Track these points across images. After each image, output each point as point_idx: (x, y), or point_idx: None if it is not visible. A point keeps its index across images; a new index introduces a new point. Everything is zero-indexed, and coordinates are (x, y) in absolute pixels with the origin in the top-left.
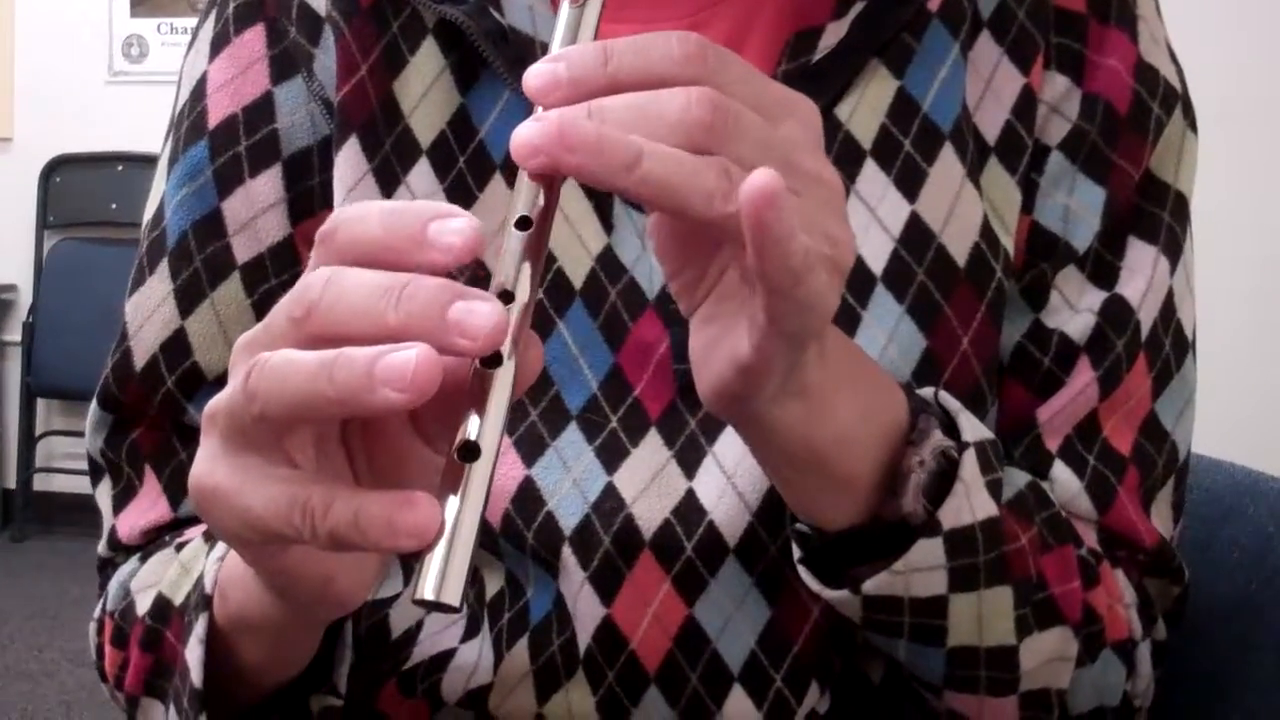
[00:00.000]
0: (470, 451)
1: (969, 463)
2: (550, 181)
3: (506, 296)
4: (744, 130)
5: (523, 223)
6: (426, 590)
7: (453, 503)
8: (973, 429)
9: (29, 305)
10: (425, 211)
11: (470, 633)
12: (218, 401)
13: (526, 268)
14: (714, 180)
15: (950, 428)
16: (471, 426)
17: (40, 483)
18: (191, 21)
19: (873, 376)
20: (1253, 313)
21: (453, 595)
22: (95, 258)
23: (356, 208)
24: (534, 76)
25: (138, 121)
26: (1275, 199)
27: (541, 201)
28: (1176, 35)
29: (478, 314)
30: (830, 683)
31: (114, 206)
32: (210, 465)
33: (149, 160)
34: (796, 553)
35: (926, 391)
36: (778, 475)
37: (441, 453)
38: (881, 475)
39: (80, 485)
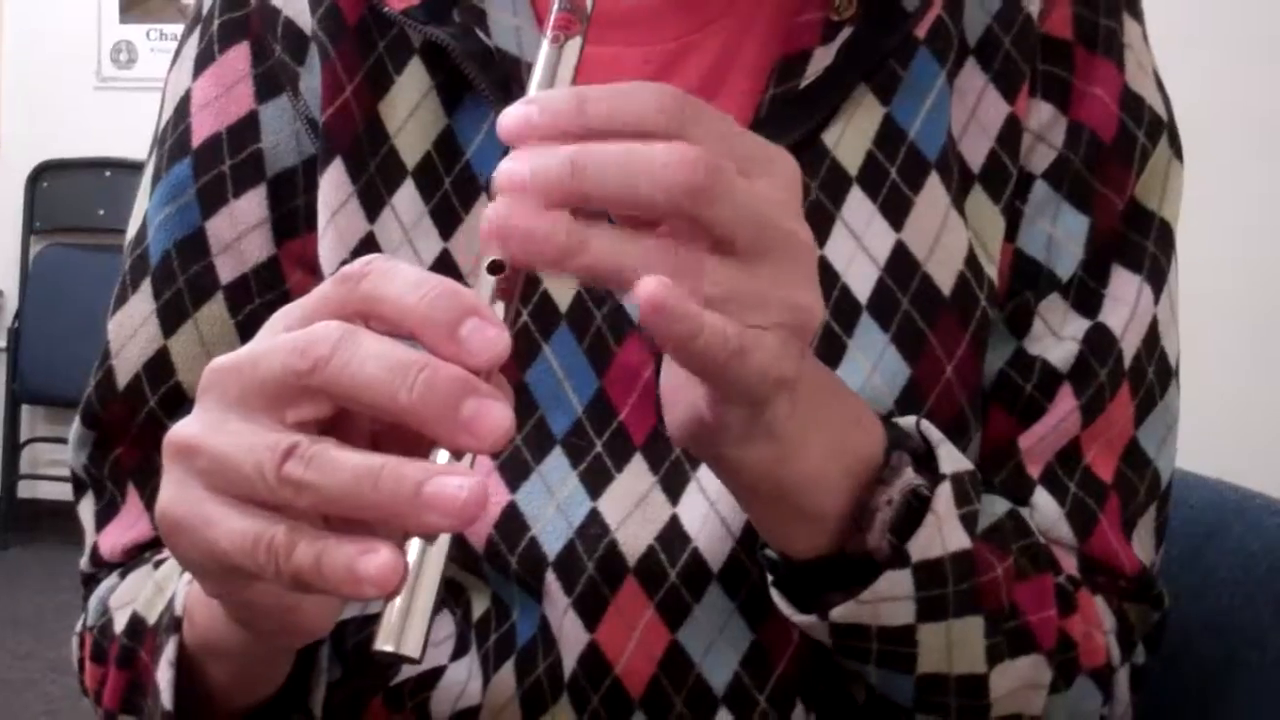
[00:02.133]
0: None
1: (943, 496)
2: None
3: None
4: (726, 193)
5: (495, 266)
6: (386, 641)
7: (416, 547)
8: (951, 461)
9: (15, 311)
10: (463, 304)
11: (459, 651)
12: (187, 435)
13: (499, 312)
14: (660, 267)
15: (928, 458)
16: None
17: (25, 489)
18: (181, 29)
19: (849, 411)
20: (1236, 329)
21: (413, 647)
22: (82, 263)
23: (389, 263)
24: (507, 120)
25: (126, 127)
26: (1252, 206)
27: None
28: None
29: (490, 418)
30: (816, 702)
31: (101, 212)
32: (176, 494)
33: (137, 166)
34: (769, 576)
35: (908, 421)
36: (746, 506)
37: None
38: (850, 511)
39: (65, 492)
